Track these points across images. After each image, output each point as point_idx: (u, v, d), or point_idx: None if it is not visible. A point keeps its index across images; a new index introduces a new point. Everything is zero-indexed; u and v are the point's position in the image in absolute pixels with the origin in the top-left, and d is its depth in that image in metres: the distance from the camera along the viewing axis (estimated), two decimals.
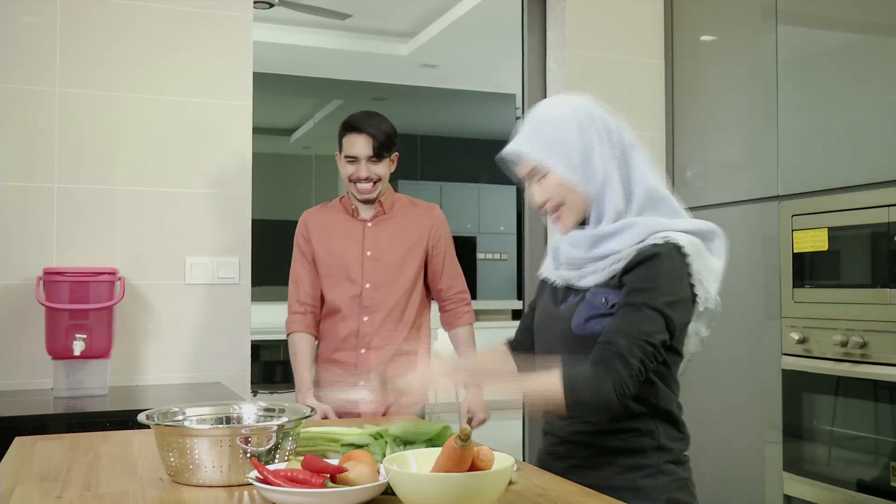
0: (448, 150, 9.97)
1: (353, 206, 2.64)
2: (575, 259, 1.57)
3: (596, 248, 1.54)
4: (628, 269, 1.48)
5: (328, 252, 2.59)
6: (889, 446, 2.40)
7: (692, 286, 1.47)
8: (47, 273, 2.59)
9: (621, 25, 3.47)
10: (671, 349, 1.51)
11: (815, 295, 2.65)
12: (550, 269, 1.66)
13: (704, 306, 1.49)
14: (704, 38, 3.33)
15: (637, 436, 1.51)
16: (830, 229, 2.59)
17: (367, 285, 2.55)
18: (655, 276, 1.44)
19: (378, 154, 2.53)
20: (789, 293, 2.74)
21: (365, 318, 2.54)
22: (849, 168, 2.62)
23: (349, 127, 2.57)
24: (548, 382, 1.43)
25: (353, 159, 2.55)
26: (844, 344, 2.50)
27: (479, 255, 10.07)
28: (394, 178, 10.64)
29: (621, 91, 3.41)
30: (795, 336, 2.67)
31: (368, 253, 2.58)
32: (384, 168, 2.57)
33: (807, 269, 2.69)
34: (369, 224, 2.62)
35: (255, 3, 3.51)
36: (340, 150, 2.60)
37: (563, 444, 1.59)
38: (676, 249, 1.47)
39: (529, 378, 1.48)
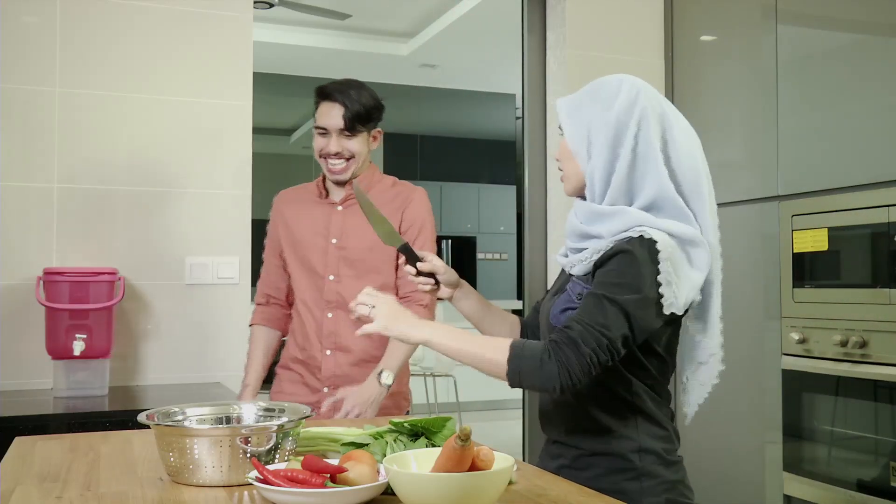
0: (448, 150, 9.97)
1: (325, 187, 2.35)
2: (573, 228, 1.58)
3: (590, 224, 1.54)
4: (600, 262, 1.48)
5: (293, 238, 2.33)
6: (889, 446, 2.40)
7: (658, 285, 1.43)
8: (47, 273, 2.59)
9: (621, 25, 3.47)
10: (653, 353, 1.50)
11: (815, 295, 2.65)
12: (561, 255, 1.67)
13: (669, 311, 1.44)
14: (704, 38, 3.33)
15: (615, 438, 1.50)
16: (830, 229, 2.59)
17: (331, 277, 2.26)
18: (623, 270, 1.43)
19: (351, 127, 2.22)
20: (789, 293, 2.74)
21: (329, 315, 2.26)
22: (849, 168, 2.62)
23: (322, 94, 2.26)
24: (497, 343, 1.44)
25: (323, 131, 2.25)
26: (844, 344, 2.50)
27: (479, 255, 10.07)
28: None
29: None
30: (795, 336, 2.67)
31: (334, 241, 2.28)
32: (359, 144, 2.26)
33: (807, 269, 2.69)
34: (339, 208, 2.31)
35: (255, 3, 3.51)
36: (314, 121, 2.31)
37: (555, 444, 1.60)
38: (650, 245, 1.44)
39: (479, 339, 1.48)
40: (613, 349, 1.40)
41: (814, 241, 2.65)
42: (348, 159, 2.25)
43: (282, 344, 2.45)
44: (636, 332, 1.43)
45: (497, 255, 10.10)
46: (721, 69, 3.21)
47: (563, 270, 1.68)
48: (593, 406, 1.51)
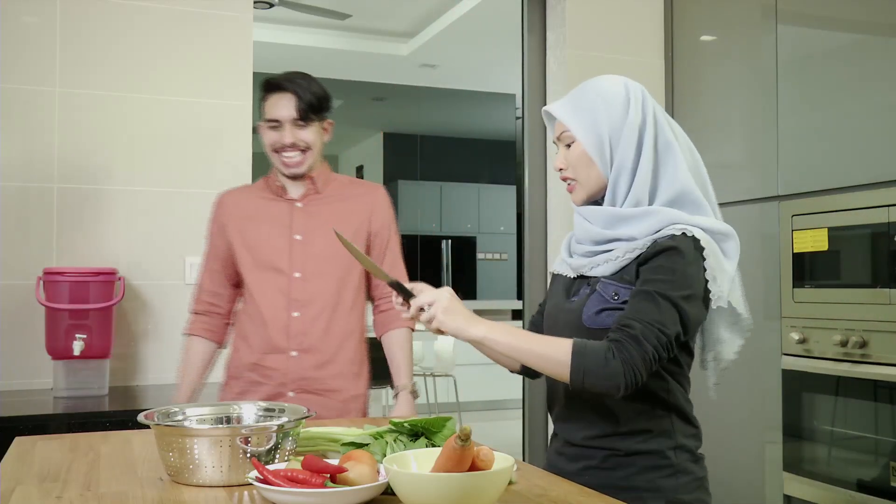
0: (448, 150, 9.98)
1: (280, 184, 2.22)
2: (590, 235, 1.55)
3: (612, 228, 1.52)
4: (644, 260, 1.47)
5: (250, 239, 2.20)
6: (889, 446, 2.40)
7: (706, 282, 1.45)
8: (47, 273, 2.59)
9: (621, 25, 3.47)
10: (683, 346, 1.51)
11: (815, 295, 2.65)
12: (563, 262, 1.65)
13: (717, 304, 1.47)
14: (704, 38, 3.33)
15: (653, 437, 1.49)
16: (830, 229, 2.59)
17: (297, 275, 2.16)
18: (672, 267, 1.43)
19: (305, 117, 2.14)
20: (789, 293, 2.74)
21: (295, 314, 2.15)
22: (849, 168, 2.62)
23: (271, 87, 2.17)
24: (557, 342, 1.42)
25: (275, 124, 2.14)
26: (844, 344, 2.50)
27: (479, 255, 10.08)
28: (394, 178, 10.66)
29: None
30: (795, 336, 2.67)
31: (298, 237, 2.18)
32: (313, 135, 2.16)
33: (807, 269, 2.69)
34: (298, 204, 2.21)
35: (255, 3, 3.51)
36: (262, 117, 2.20)
37: (575, 447, 1.56)
38: (694, 243, 1.46)
39: (538, 338, 1.46)
40: (671, 346, 1.41)
41: (814, 241, 2.65)
42: (304, 150, 2.15)
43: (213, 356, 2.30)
44: (689, 328, 1.44)
45: (497, 255, 10.10)
46: (721, 69, 3.21)
47: (555, 275, 1.67)
48: (630, 407, 1.49)
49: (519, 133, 8.21)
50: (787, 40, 2.87)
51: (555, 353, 1.40)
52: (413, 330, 2.26)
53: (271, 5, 5.75)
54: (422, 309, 1.45)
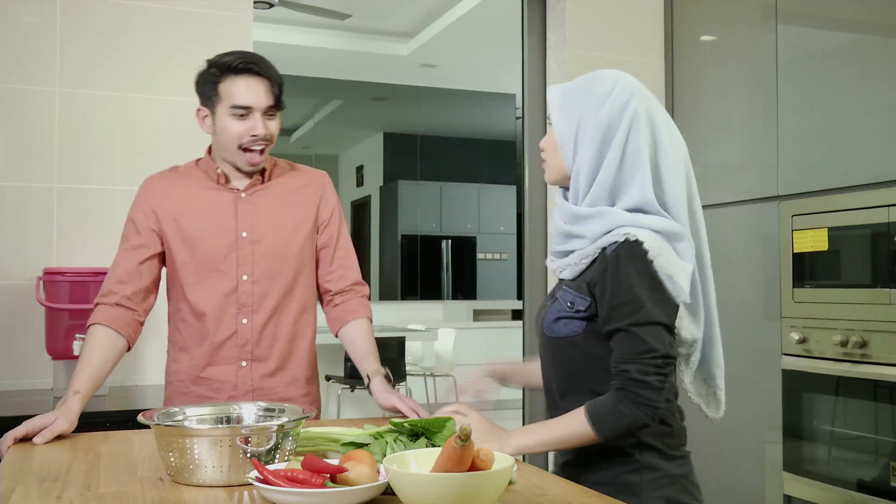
0: (448, 150, 9.98)
1: (220, 171, 1.98)
2: (557, 228, 1.59)
3: (572, 225, 1.55)
4: (594, 279, 1.49)
5: (188, 235, 1.95)
6: (889, 446, 2.40)
7: (661, 281, 1.45)
8: (47, 273, 2.59)
9: (621, 25, 3.47)
10: None
11: (815, 295, 2.65)
12: (550, 260, 1.67)
13: (680, 300, 1.48)
14: (704, 38, 3.34)
15: None
16: (830, 229, 2.59)
17: (245, 277, 1.94)
18: (629, 287, 1.44)
19: (278, 104, 1.93)
20: (789, 293, 2.74)
21: (244, 321, 1.94)
22: (849, 168, 2.62)
23: (236, 67, 1.89)
24: (573, 417, 1.47)
25: (244, 112, 1.89)
26: (844, 344, 2.50)
27: (479, 255, 10.08)
28: (394, 178, 10.68)
29: None
30: (795, 336, 2.67)
31: (244, 234, 1.95)
32: (277, 127, 1.96)
33: (807, 269, 2.69)
34: (243, 195, 1.98)
35: (255, 3, 3.51)
36: (211, 101, 1.92)
37: None
38: (637, 246, 1.45)
39: (557, 421, 1.51)
40: (670, 360, 1.45)
41: (814, 241, 2.65)
42: (268, 144, 1.93)
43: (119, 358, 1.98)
44: (672, 327, 1.48)
45: (497, 255, 10.11)
46: (721, 69, 3.21)
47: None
48: None
49: (519, 133, 8.21)
50: (787, 40, 2.87)
51: (577, 429, 1.46)
52: (371, 320, 2.09)
53: (271, 5, 5.75)
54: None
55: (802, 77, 2.83)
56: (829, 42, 2.80)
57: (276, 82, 1.92)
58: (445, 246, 10.00)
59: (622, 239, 1.46)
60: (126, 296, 1.93)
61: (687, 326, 1.55)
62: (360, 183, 10.35)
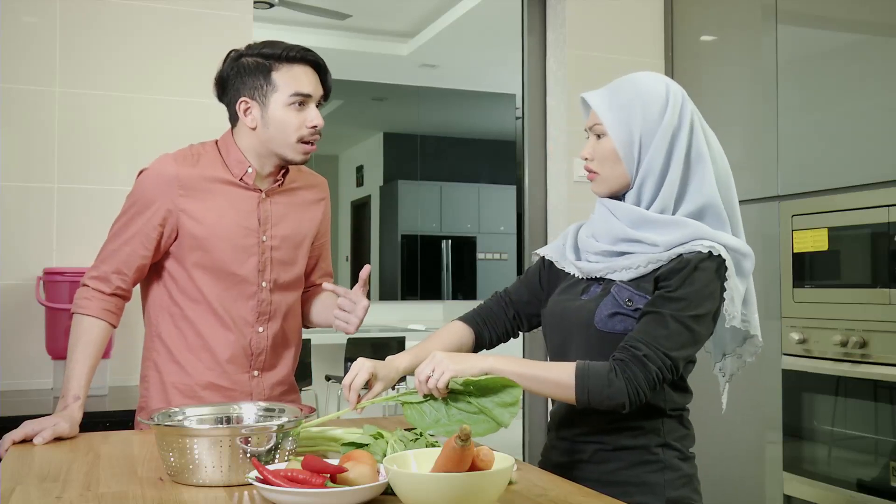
0: (448, 150, 9.97)
1: (249, 168, 1.86)
2: (613, 231, 1.54)
3: (638, 229, 1.52)
4: (667, 273, 1.47)
5: (208, 233, 1.83)
6: (889, 446, 2.40)
7: (723, 301, 1.47)
8: (47, 273, 2.59)
9: (621, 25, 3.47)
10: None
11: (815, 295, 2.65)
12: (568, 260, 1.64)
13: (731, 324, 1.49)
14: (704, 38, 3.33)
15: (643, 433, 1.52)
16: (830, 229, 2.59)
17: (265, 284, 1.88)
18: (691, 287, 1.44)
19: (327, 94, 1.88)
20: (789, 293, 2.74)
21: (260, 330, 1.88)
22: (849, 168, 2.62)
23: (293, 57, 1.82)
24: (561, 366, 1.44)
25: (304, 99, 1.81)
26: (844, 344, 2.50)
27: (479, 255, 10.08)
28: (394, 178, 10.69)
29: None
30: (795, 336, 2.67)
31: (265, 238, 1.87)
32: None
33: (807, 269, 2.69)
34: (263, 195, 1.89)
35: (255, 3, 3.51)
36: (262, 91, 1.81)
37: (567, 441, 1.59)
38: (719, 263, 1.46)
39: (544, 364, 1.48)
40: (675, 368, 1.44)
41: (814, 241, 2.65)
42: (319, 136, 1.87)
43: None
44: (696, 348, 1.47)
45: (497, 255, 10.10)
46: (721, 69, 3.21)
47: (554, 267, 1.66)
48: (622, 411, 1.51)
49: (519, 133, 8.21)
50: (787, 40, 2.87)
51: (559, 377, 1.43)
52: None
53: (271, 5, 5.75)
54: (429, 377, 1.44)
55: (802, 77, 2.83)
56: (829, 42, 2.80)
57: (327, 72, 1.87)
58: (445, 246, 10.00)
59: (706, 251, 1.46)
60: (121, 287, 1.84)
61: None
62: (360, 183, 10.35)
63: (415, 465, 1.24)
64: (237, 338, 1.86)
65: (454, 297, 9.86)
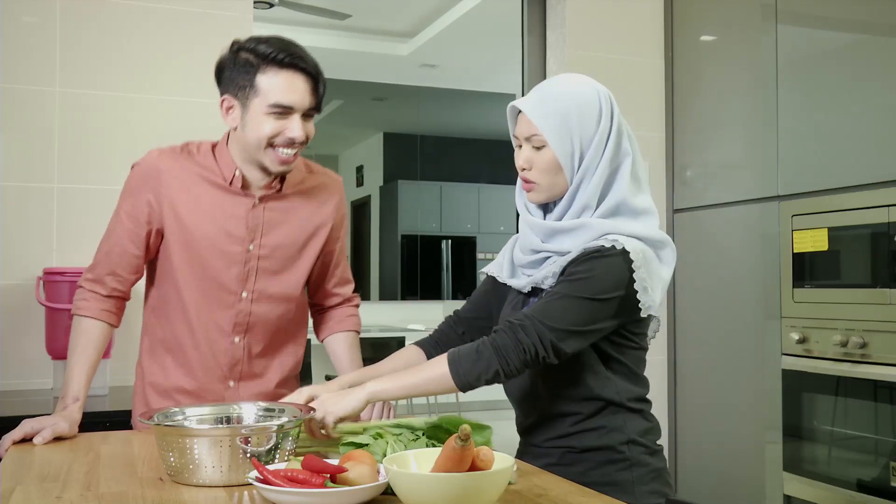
0: (448, 150, 9.98)
1: (238, 174, 1.77)
2: (531, 245, 1.59)
3: (549, 241, 1.56)
4: (569, 265, 1.49)
5: (193, 237, 1.77)
6: (889, 446, 2.40)
7: (635, 292, 1.47)
8: (47, 273, 2.59)
9: (621, 25, 3.47)
10: (629, 348, 1.54)
11: (815, 295, 2.65)
12: (506, 275, 1.67)
13: (647, 313, 1.49)
14: (704, 38, 3.33)
15: (606, 432, 1.53)
16: (830, 229, 2.59)
17: (245, 294, 1.80)
18: (589, 272, 1.45)
19: (318, 106, 1.73)
20: (789, 293, 2.74)
21: (236, 340, 1.81)
22: (849, 168, 2.62)
23: (281, 60, 1.67)
24: (434, 360, 1.48)
25: (284, 111, 1.68)
26: (844, 344, 2.50)
27: (479, 255, 10.08)
28: (394, 178, 10.68)
29: (621, 91, 3.39)
30: (795, 336, 2.67)
31: (252, 248, 1.79)
32: (313, 128, 1.76)
33: (807, 269, 2.69)
34: (256, 201, 1.80)
35: (255, 3, 3.51)
36: (244, 93, 1.70)
37: (536, 447, 1.62)
38: (622, 254, 1.47)
39: (418, 367, 1.51)
40: (556, 347, 1.43)
41: (814, 241, 2.65)
42: (302, 147, 1.74)
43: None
44: (588, 331, 1.46)
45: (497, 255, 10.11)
46: (721, 69, 3.21)
47: (499, 282, 1.69)
48: (583, 408, 1.54)
49: None
50: (787, 40, 2.87)
51: (435, 373, 1.45)
52: (359, 333, 2.01)
53: (271, 5, 5.75)
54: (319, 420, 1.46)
55: (802, 77, 2.83)
56: (829, 42, 2.80)
57: (321, 82, 1.72)
58: (445, 246, 10.00)
59: (609, 245, 1.47)
60: (118, 289, 1.82)
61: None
62: (360, 183, 10.35)
63: (415, 465, 1.24)
64: (206, 345, 1.81)
65: (454, 297, 9.87)
